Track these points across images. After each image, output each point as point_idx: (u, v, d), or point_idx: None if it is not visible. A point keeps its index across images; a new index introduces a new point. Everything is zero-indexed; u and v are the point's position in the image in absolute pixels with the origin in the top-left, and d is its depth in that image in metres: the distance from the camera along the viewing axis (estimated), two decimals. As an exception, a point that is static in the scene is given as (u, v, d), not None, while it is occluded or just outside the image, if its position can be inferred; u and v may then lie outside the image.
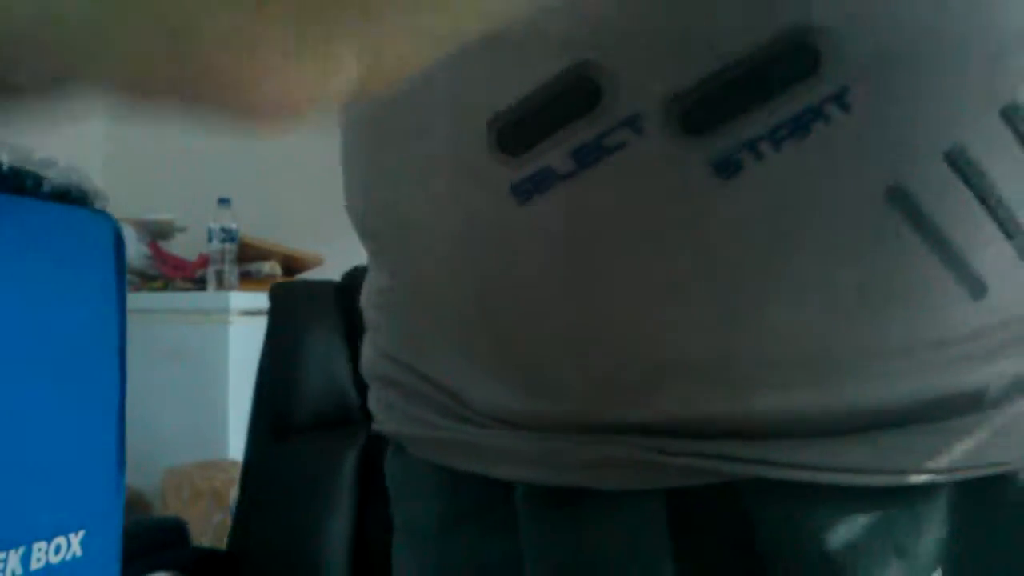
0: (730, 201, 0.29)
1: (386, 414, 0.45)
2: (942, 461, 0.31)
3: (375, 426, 0.47)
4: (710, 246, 0.29)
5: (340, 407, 0.95)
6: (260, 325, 2.21)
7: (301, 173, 2.77)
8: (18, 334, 0.28)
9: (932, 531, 0.32)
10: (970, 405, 0.31)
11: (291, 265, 2.42)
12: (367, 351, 0.48)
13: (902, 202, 0.28)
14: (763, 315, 0.30)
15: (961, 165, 0.28)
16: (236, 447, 2.14)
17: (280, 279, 2.38)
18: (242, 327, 2.26)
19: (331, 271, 2.44)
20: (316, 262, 2.44)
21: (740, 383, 0.31)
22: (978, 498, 0.32)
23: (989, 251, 0.30)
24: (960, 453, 0.31)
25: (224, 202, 2.44)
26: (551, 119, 0.30)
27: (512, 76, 0.31)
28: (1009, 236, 0.30)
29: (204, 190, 2.44)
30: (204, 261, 2.42)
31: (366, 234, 0.47)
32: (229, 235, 2.44)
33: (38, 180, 0.28)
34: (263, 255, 2.39)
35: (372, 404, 0.47)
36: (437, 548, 0.42)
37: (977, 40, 0.28)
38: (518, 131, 0.31)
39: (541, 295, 0.33)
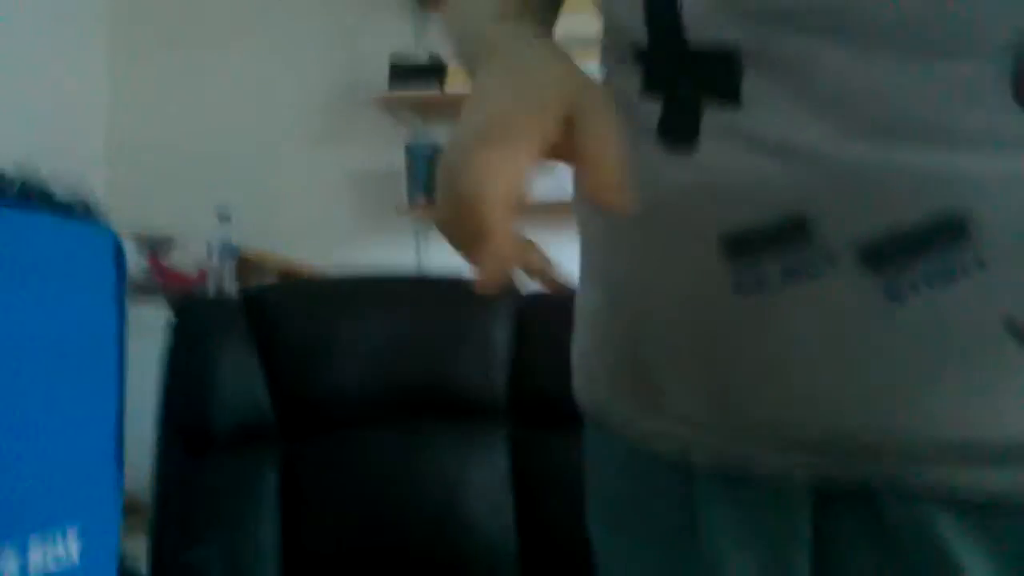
0: (897, 319, 0.41)
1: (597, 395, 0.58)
2: None
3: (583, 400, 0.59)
4: (884, 348, 0.42)
5: (257, 420, 0.95)
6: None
7: (303, 185, 2.78)
8: (22, 340, 0.29)
9: None
10: None
11: (290, 279, 2.42)
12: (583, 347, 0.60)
13: (1013, 329, 0.40)
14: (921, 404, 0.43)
15: None
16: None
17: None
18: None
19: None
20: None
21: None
22: None
23: None
24: None
25: (225, 219, 2.45)
26: (776, 244, 0.42)
27: (743, 207, 0.43)
28: None
29: (204, 203, 2.46)
30: (203, 276, 2.42)
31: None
32: (229, 251, 2.45)
33: (45, 195, 0.29)
34: (262, 270, 2.40)
35: (585, 387, 0.59)
36: (620, 508, 0.57)
37: None
38: (745, 247, 0.43)
39: (747, 367, 0.46)
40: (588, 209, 0.54)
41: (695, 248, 0.45)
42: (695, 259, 0.45)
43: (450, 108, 2.63)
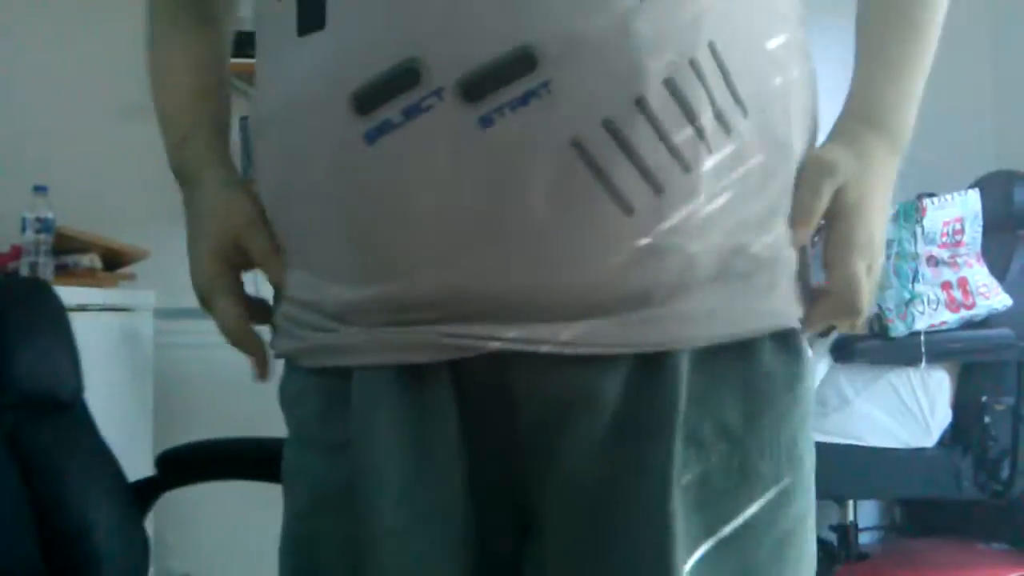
0: (485, 141, 0.50)
1: (281, 340, 0.66)
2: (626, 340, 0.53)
3: (274, 351, 0.68)
4: (471, 168, 0.51)
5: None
6: (78, 322, 2.27)
7: (127, 162, 2.58)
8: None
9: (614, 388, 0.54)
10: (641, 302, 0.53)
11: (113, 258, 2.36)
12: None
13: (579, 148, 0.50)
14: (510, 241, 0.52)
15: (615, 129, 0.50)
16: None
17: (100, 273, 2.34)
18: (58, 324, 2.27)
19: (158, 265, 2.44)
20: (141, 255, 2.40)
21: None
22: (653, 368, 0.54)
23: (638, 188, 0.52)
24: (637, 336, 0.53)
25: (40, 190, 2.28)
26: (389, 93, 0.51)
27: (364, 65, 0.52)
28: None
29: (18, 176, 2.25)
30: (17, 253, 2.29)
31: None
32: (45, 225, 2.31)
33: None
34: (82, 247, 2.31)
35: (275, 336, 0.67)
36: (318, 438, 0.62)
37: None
38: (368, 100, 0.51)
39: (375, 203, 0.53)
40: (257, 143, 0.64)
41: (328, 116, 0.53)
42: (324, 126, 0.54)
43: (290, 79, 2.48)
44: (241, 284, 0.68)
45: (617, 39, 0.50)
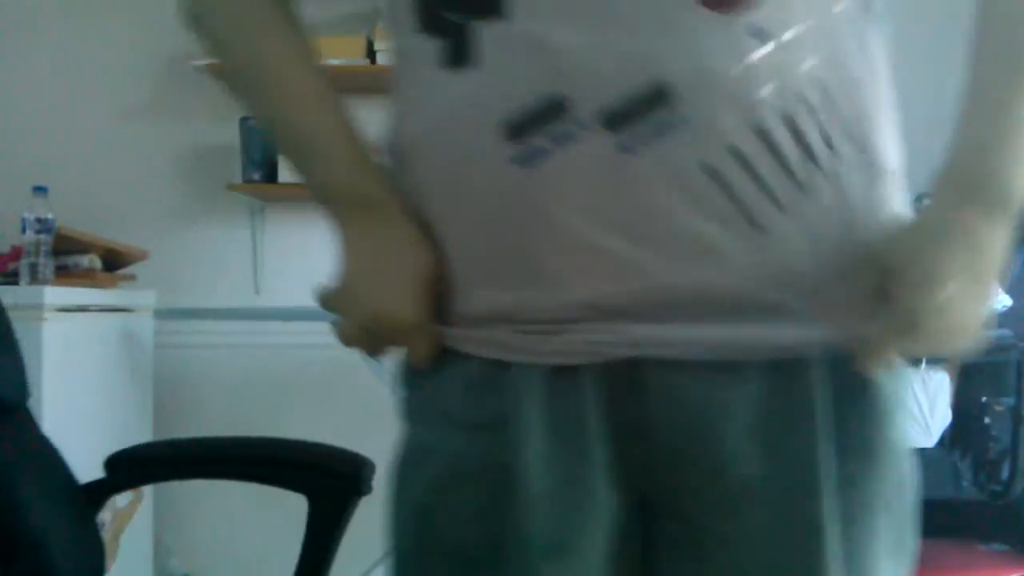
0: (626, 165, 0.56)
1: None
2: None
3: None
4: (614, 188, 0.57)
5: None
6: (78, 323, 2.27)
7: (127, 163, 2.58)
8: None
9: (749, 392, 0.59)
10: (772, 312, 0.59)
11: (113, 259, 2.36)
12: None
13: (710, 172, 0.57)
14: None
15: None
16: (52, 450, 2.23)
17: (100, 274, 2.34)
18: (58, 325, 2.26)
19: (157, 265, 2.45)
20: (140, 256, 2.41)
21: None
22: (786, 375, 0.59)
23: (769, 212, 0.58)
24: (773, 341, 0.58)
25: (40, 190, 2.28)
26: (539, 123, 0.57)
27: (514, 98, 0.58)
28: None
29: (18, 177, 2.26)
30: (17, 253, 2.29)
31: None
32: (45, 226, 2.31)
33: None
34: (82, 248, 2.31)
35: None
36: (462, 418, 0.64)
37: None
38: (519, 128, 0.57)
39: (526, 219, 0.59)
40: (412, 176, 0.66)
41: (475, 142, 0.58)
42: (476, 152, 0.59)
43: (290, 80, 2.48)
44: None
45: (741, 77, 0.56)
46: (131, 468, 1.34)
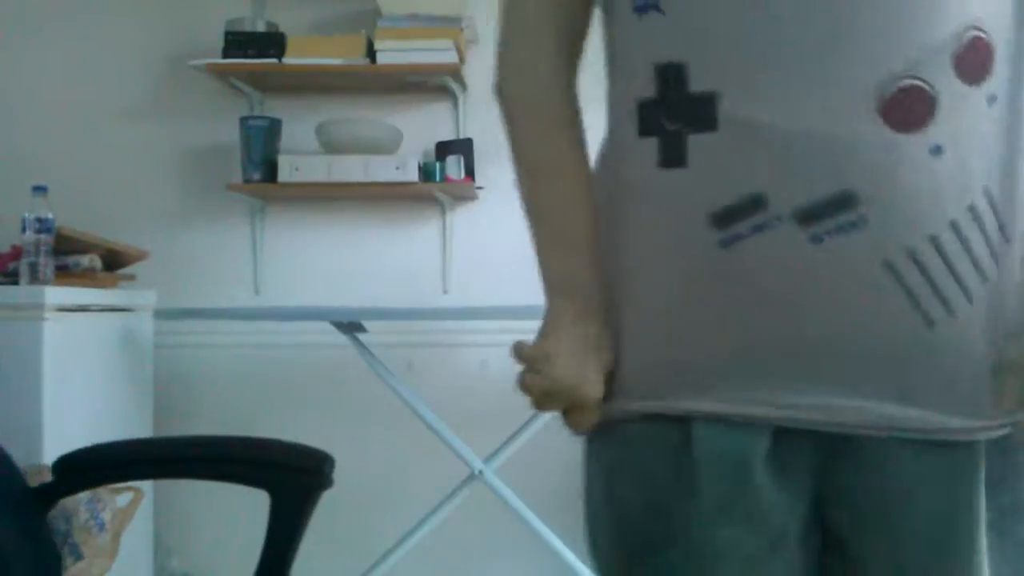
0: (814, 253, 0.67)
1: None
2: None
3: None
4: (803, 270, 0.67)
5: None
6: (78, 322, 2.26)
7: (127, 163, 2.58)
8: None
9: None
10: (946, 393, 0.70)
11: (113, 259, 2.36)
12: None
13: (890, 268, 0.67)
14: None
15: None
16: (51, 450, 2.22)
17: (100, 274, 2.34)
18: (58, 324, 2.26)
19: (157, 266, 2.45)
20: (139, 256, 2.40)
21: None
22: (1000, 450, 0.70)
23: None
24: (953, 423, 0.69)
25: (40, 190, 2.28)
26: (742, 215, 0.68)
27: (721, 194, 0.69)
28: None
29: (18, 177, 2.25)
30: (17, 253, 2.29)
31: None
32: (45, 225, 2.31)
33: None
34: (82, 248, 2.31)
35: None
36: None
37: None
38: (725, 218, 0.69)
39: (729, 293, 0.71)
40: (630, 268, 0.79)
41: (684, 228, 0.71)
42: (684, 236, 0.71)
43: (289, 79, 2.48)
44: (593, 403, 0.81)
45: (916, 187, 0.66)
46: (83, 471, 1.32)
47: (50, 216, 2.27)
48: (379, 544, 2.31)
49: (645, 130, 0.74)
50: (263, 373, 2.61)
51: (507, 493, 2.20)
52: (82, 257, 2.31)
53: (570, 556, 2.22)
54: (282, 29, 2.42)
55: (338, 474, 2.58)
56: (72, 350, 2.17)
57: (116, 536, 2.17)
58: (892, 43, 0.65)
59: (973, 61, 0.67)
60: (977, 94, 0.67)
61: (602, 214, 0.80)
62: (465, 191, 2.51)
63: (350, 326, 2.20)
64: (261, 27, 2.40)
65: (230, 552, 2.54)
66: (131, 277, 2.42)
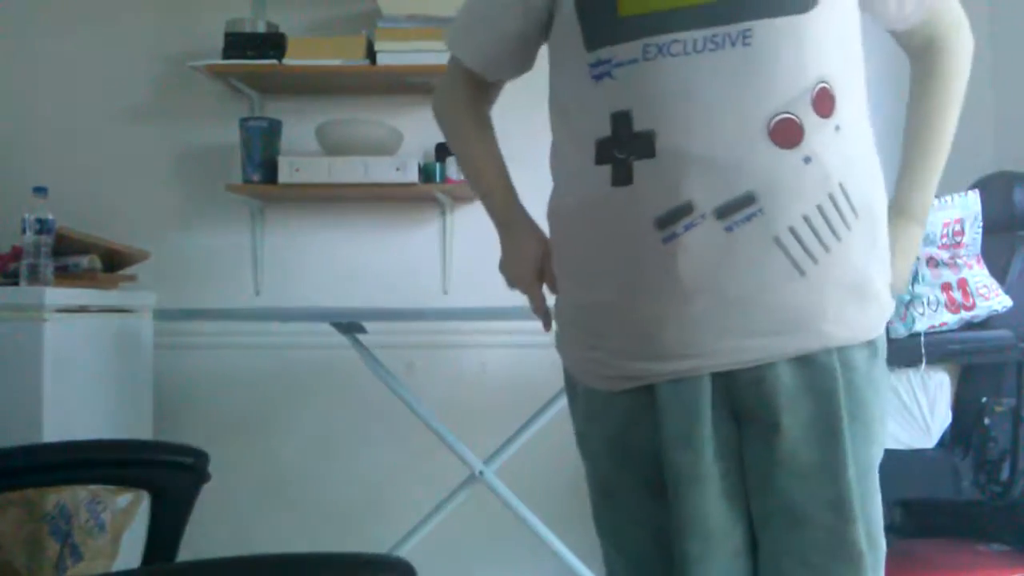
0: (728, 238, 0.94)
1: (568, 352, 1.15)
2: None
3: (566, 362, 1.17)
4: (721, 253, 0.95)
5: None
6: (78, 323, 2.26)
7: (127, 164, 2.58)
8: None
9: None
10: (811, 321, 1.00)
11: (113, 259, 2.36)
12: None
13: (777, 242, 0.96)
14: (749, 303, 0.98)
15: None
16: (52, 450, 2.21)
17: (100, 274, 2.34)
18: (59, 325, 2.26)
19: (157, 266, 2.45)
20: (141, 257, 2.41)
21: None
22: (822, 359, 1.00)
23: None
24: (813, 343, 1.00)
25: (40, 191, 2.29)
26: (677, 218, 0.95)
27: (661, 205, 0.96)
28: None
29: (18, 178, 2.26)
30: (17, 254, 2.29)
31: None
32: (45, 226, 2.32)
33: None
34: (82, 248, 2.31)
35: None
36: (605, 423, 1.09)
37: None
38: (666, 222, 0.95)
39: (661, 277, 0.98)
40: (564, 246, 1.12)
41: (635, 230, 0.97)
42: (635, 237, 0.98)
43: (289, 80, 2.49)
44: (545, 275, 1.19)
45: (794, 186, 0.95)
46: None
47: (50, 217, 2.28)
48: (379, 544, 2.31)
49: (600, 160, 1.00)
50: (263, 373, 2.61)
51: (507, 493, 2.19)
52: (82, 258, 2.32)
53: (570, 556, 2.22)
54: (282, 30, 2.42)
55: (338, 474, 2.60)
56: (72, 351, 2.17)
57: (116, 537, 2.16)
58: (773, 92, 0.94)
59: (823, 103, 0.96)
60: (828, 123, 0.97)
61: (561, 222, 1.10)
62: (465, 192, 2.51)
63: (350, 327, 2.20)
64: (261, 28, 2.40)
65: (230, 552, 2.54)
66: (131, 278, 2.42)
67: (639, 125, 0.97)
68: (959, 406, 2.00)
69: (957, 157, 2.74)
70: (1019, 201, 2.14)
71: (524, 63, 1.20)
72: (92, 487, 1.93)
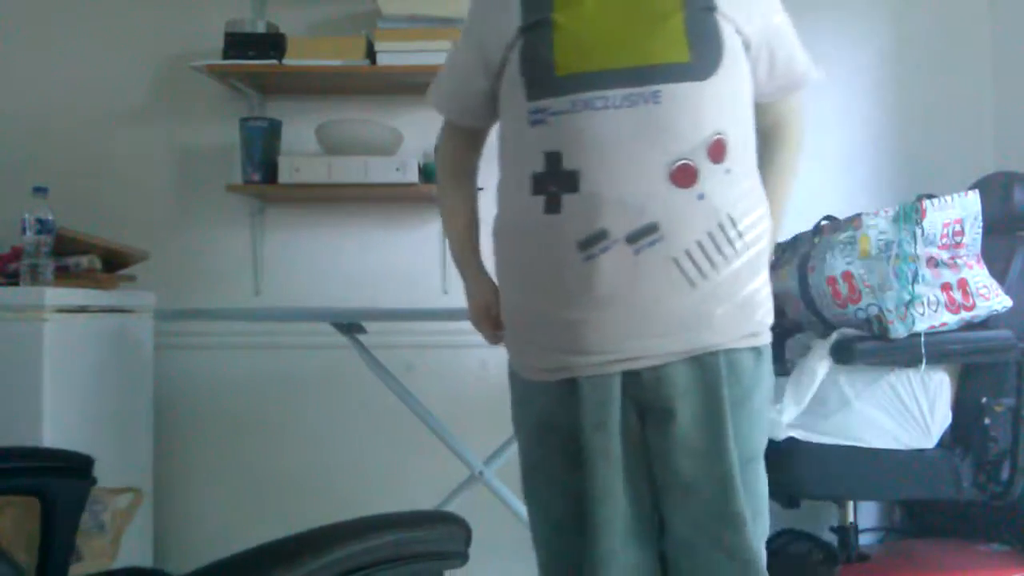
0: (636, 259, 1.17)
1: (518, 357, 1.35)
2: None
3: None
4: (630, 271, 1.17)
5: None
6: (78, 323, 2.27)
7: (127, 164, 2.58)
8: None
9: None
10: (698, 328, 1.21)
11: (113, 260, 2.36)
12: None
13: (675, 262, 1.18)
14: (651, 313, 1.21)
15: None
16: (52, 450, 2.21)
17: (100, 274, 2.34)
18: (58, 325, 2.26)
19: (157, 267, 2.45)
20: (140, 257, 2.41)
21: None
22: (708, 362, 1.22)
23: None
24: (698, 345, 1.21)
25: (40, 191, 2.29)
26: (595, 241, 1.16)
27: (583, 230, 1.19)
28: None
29: (18, 178, 2.26)
30: (17, 254, 2.29)
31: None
32: (45, 226, 2.32)
33: None
34: (82, 248, 2.31)
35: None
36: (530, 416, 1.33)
37: None
38: (586, 244, 1.16)
39: (582, 289, 1.19)
40: (505, 257, 1.31)
41: (562, 251, 1.17)
42: (562, 256, 1.17)
43: (289, 81, 2.49)
44: (497, 319, 1.40)
45: (689, 217, 1.15)
46: None
47: (50, 217, 2.28)
48: (379, 545, 2.31)
49: (535, 191, 1.20)
50: (263, 373, 2.61)
51: (507, 493, 2.19)
52: (82, 258, 2.32)
53: (570, 557, 2.21)
54: (282, 30, 2.42)
55: (338, 474, 2.60)
56: (72, 351, 2.17)
57: (116, 537, 2.16)
58: (676, 142, 1.15)
59: (717, 151, 1.17)
60: (720, 168, 1.17)
61: (503, 241, 1.30)
62: (465, 192, 2.51)
63: (350, 327, 2.20)
64: (261, 28, 2.40)
65: (230, 552, 2.54)
66: (131, 278, 2.42)
67: (567, 164, 1.17)
68: (959, 406, 2.00)
69: (957, 157, 2.76)
70: (1019, 201, 2.14)
71: (494, 113, 1.37)
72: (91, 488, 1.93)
